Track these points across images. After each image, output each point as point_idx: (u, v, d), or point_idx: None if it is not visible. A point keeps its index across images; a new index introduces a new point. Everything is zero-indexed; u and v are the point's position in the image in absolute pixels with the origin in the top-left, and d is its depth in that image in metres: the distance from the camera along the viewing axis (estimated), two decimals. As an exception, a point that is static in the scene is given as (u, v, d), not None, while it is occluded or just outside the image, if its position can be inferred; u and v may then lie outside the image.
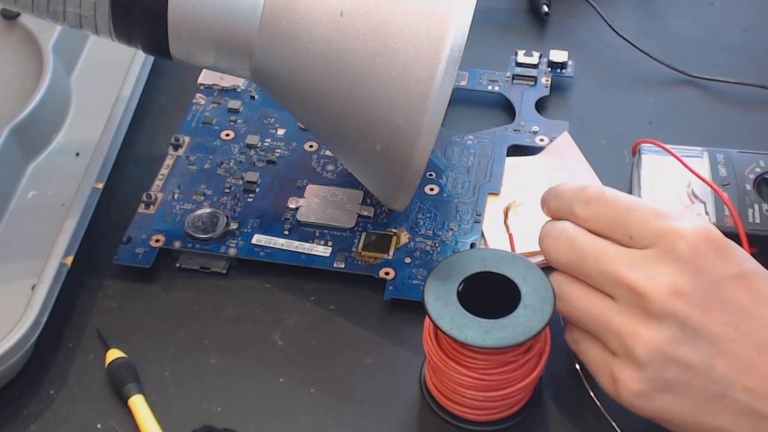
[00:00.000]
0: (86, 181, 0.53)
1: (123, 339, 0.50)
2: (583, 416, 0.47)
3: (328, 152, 0.58)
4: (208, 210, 0.54)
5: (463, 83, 0.63)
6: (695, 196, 0.52)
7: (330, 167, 0.57)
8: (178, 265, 0.53)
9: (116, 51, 0.56)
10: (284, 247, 0.53)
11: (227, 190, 0.56)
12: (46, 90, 0.58)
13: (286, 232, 0.53)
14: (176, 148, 0.58)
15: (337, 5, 0.45)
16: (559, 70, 0.63)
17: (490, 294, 0.44)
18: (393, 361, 0.49)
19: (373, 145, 0.46)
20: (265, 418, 0.47)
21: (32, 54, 0.60)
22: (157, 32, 0.47)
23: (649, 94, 0.63)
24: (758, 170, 0.53)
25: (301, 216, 0.54)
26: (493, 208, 0.55)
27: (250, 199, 0.55)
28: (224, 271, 0.53)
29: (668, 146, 0.53)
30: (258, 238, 0.53)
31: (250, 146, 0.58)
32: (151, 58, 0.62)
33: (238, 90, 0.62)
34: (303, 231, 0.54)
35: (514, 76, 0.63)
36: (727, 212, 0.51)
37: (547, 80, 0.62)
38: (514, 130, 0.59)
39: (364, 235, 0.53)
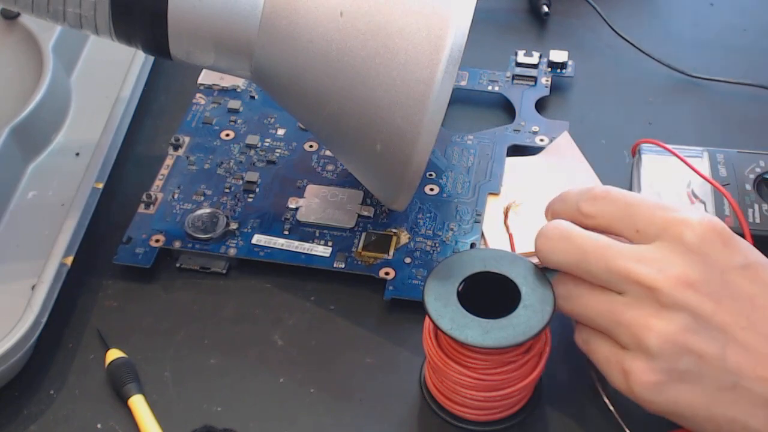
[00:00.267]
0: (86, 181, 0.53)
1: (123, 339, 0.50)
2: (583, 416, 0.47)
3: (328, 152, 0.58)
4: (208, 210, 0.54)
5: (463, 83, 0.63)
6: (695, 196, 0.52)
7: (330, 167, 0.57)
8: (178, 265, 0.53)
9: (116, 51, 0.56)
10: (284, 247, 0.53)
11: (227, 190, 0.56)
12: (46, 90, 0.58)
13: (286, 232, 0.53)
14: (176, 148, 0.58)
15: (337, 5, 0.45)
16: (559, 70, 0.63)
17: (490, 294, 0.44)
18: (393, 361, 0.49)
19: (373, 145, 0.46)
20: (265, 418, 0.47)
21: (32, 54, 0.60)
22: (157, 32, 0.47)
23: (649, 94, 0.63)
24: (758, 170, 0.53)
25: (301, 216, 0.54)
26: (493, 208, 0.55)
27: (250, 199, 0.55)
28: (224, 271, 0.53)
29: (668, 146, 0.53)
30: (258, 238, 0.53)
31: (250, 146, 0.58)
32: (151, 58, 0.62)
33: (238, 90, 0.62)
34: (303, 231, 0.54)
35: (514, 76, 0.63)
36: (727, 212, 0.51)
37: (547, 80, 0.62)
38: (514, 130, 0.59)
39: (364, 235, 0.53)
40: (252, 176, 0.56)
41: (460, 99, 0.62)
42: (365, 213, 0.54)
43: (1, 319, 0.47)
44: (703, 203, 0.51)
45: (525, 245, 0.52)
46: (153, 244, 0.53)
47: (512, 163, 0.57)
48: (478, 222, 0.54)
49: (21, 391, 0.48)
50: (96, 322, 0.51)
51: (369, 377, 0.49)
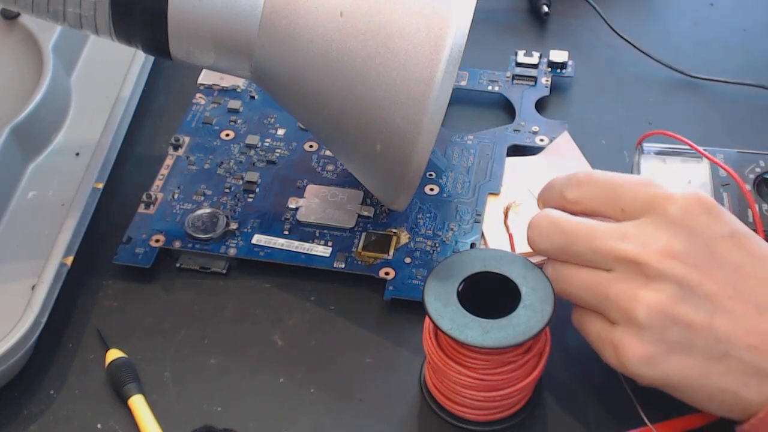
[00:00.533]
0: (86, 181, 0.53)
1: (123, 339, 0.50)
2: (583, 416, 0.47)
3: (328, 152, 0.58)
4: (208, 210, 0.54)
5: (463, 83, 0.63)
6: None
7: (330, 167, 0.57)
8: (178, 265, 0.53)
9: (116, 51, 0.56)
10: (284, 247, 0.53)
11: (227, 190, 0.56)
12: (46, 90, 0.58)
13: (286, 232, 0.53)
14: (176, 148, 0.58)
15: (337, 5, 0.45)
16: (559, 70, 0.63)
17: (490, 294, 0.44)
18: (393, 361, 0.49)
19: (373, 145, 0.46)
20: (265, 418, 0.47)
21: (32, 54, 0.60)
22: (157, 32, 0.47)
23: (649, 94, 0.63)
24: (758, 170, 0.53)
25: (301, 216, 0.54)
26: (493, 208, 0.55)
27: (250, 199, 0.55)
28: (224, 271, 0.53)
29: (668, 145, 0.53)
30: (258, 238, 0.53)
31: (250, 146, 0.58)
32: (151, 58, 0.62)
33: (238, 90, 0.62)
34: (303, 231, 0.54)
35: (514, 76, 0.63)
36: (727, 212, 0.51)
37: (547, 80, 0.62)
38: (514, 130, 0.59)
39: (364, 235, 0.53)
40: (252, 176, 0.56)
41: (460, 99, 0.62)
42: (365, 213, 0.54)
43: (1, 319, 0.47)
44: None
45: (525, 245, 0.52)
46: (153, 244, 0.53)
47: (512, 163, 0.57)
48: (478, 222, 0.54)
49: (21, 391, 0.48)
50: (96, 322, 0.51)
51: (369, 377, 0.49)
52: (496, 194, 0.56)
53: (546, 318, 0.43)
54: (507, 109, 0.62)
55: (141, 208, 0.55)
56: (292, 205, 0.55)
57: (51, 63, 0.59)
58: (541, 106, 0.61)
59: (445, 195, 0.55)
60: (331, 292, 0.52)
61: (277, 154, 0.58)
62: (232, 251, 0.53)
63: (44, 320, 0.48)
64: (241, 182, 0.56)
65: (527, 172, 0.57)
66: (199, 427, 0.46)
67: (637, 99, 0.63)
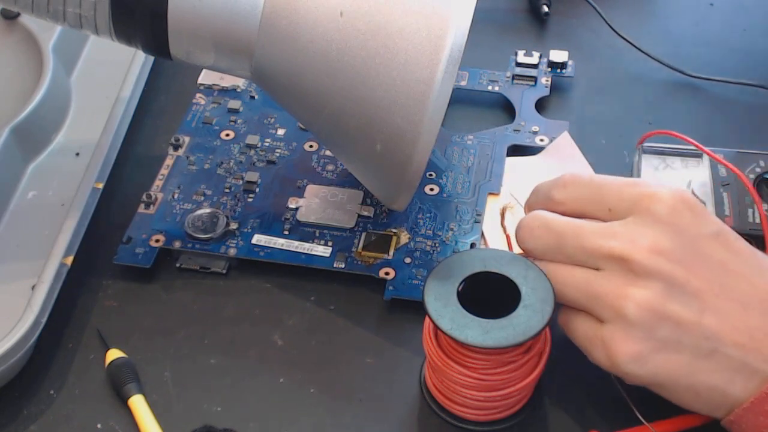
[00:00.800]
0: (86, 181, 0.53)
1: (123, 339, 0.50)
2: (583, 416, 0.47)
3: (328, 152, 0.58)
4: (208, 210, 0.54)
5: (463, 83, 0.63)
6: (695, 197, 0.52)
7: (330, 167, 0.57)
8: (178, 265, 0.53)
9: (116, 51, 0.56)
10: (284, 247, 0.53)
11: (227, 190, 0.56)
12: (46, 90, 0.58)
13: (286, 232, 0.53)
14: (176, 148, 0.58)
15: (337, 5, 0.45)
16: (559, 70, 0.63)
17: (490, 294, 0.44)
18: (393, 361, 0.49)
19: (373, 145, 0.46)
20: (265, 418, 0.47)
21: (32, 54, 0.60)
22: (157, 32, 0.46)
23: (649, 94, 0.63)
24: (758, 170, 0.53)
25: (301, 216, 0.54)
26: (493, 208, 0.55)
27: (250, 199, 0.55)
28: (224, 271, 0.53)
29: (668, 145, 0.53)
30: (258, 238, 0.53)
31: (250, 146, 0.58)
32: (151, 58, 0.62)
33: (238, 90, 0.62)
34: (303, 231, 0.54)
35: (514, 76, 0.63)
36: (727, 212, 0.51)
37: (547, 80, 0.62)
38: (514, 130, 0.59)
39: (364, 235, 0.53)
40: (252, 176, 0.56)
41: (460, 99, 0.62)
42: (365, 213, 0.54)
43: (1, 319, 0.47)
44: (703, 203, 0.51)
45: None
46: (153, 244, 0.53)
47: (512, 163, 0.57)
48: (478, 222, 0.54)
49: (21, 391, 0.48)
50: (96, 322, 0.51)
51: (369, 377, 0.49)
52: (496, 194, 0.56)
53: (546, 318, 0.43)
54: (507, 109, 0.62)
55: (141, 208, 0.55)
56: (292, 205, 0.55)
57: (51, 63, 0.59)
58: (541, 106, 0.61)
59: (445, 195, 0.55)
60: (331, 292, 0.52)
61: (277, 154, 0.58)
62: (232, 251, 0.53)
63: (44, 320, 0.48)
64: (241, 182, 0.56)
65: (527, 172, 0.57)
66: (199, 427, 0.46)
67: (637, 99, 0.63)
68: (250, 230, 0.54)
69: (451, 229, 0.54)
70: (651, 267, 0.41)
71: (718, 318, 0.41)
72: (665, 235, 0.42)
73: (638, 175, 0.54)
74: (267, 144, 0.59)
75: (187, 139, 0.59)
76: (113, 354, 0.49)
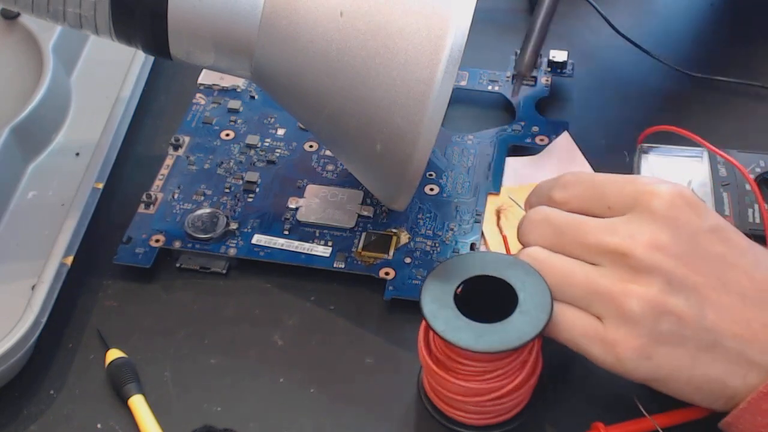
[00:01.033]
0: (86, 181, 0.53)
1: (123, 339, 0.50)
2: (581, 421, 0.46)
3: (328, 152, 0.58)
4: (208, 210, 0.54)
5: (463, 83, 0.63)
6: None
7: (330, 167, 0.57)
8: (178, 265, 0.53)
9: (116, 51, 0.56)
10: (284, 247, 0.53)
11: (227, 190, 0.56)
12: (46, 90, 0.58)
13: (286, 232, 0.53)
14: (176, 148, 0.58)
15: (337, 5, 0.45)
16: (559, 70, 0.63)
17: (488, 298, 0.44)
18: (393, 361, 0.49)
19: (373, 145, 0.46)
20: (265, 418, 0.47)
21: (32, 54, 0.60)
22: (157, 32, 0.46)
23: (649, 94, 0.63)
24: (758, 170, 0.53)
25: (301, 216, 0.54)
26: (493, 208, 0.55)
27: (250, 199, 0.55)
28: (224, 271, 0.53)
29: (668, 145, 0.53)
30: (258, 238, 0.53)
31: (250, 146, 0.58)
32: (151, 58, 0.62)
33: (238, 90, 0.62)
34: (303, 231, 0.54)
35: (514, 76, 0.63)
36: (727, 212, 0.51)
37: (547, 80, 0.62)
38: (514, 130, 0.59)
39: (364, 235, 0.53)
40: (252, 176, 0.56)
41: (460, 99, 0.62)
42: (365, 213, 0.54)
43: (1, 319, 0.47)
44: (703, 203, 0.51)
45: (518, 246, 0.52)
46: (153, 244, 0.53)
47: (512, 163, 0.57)
48: (478, 222, 0.54)
49: (21, 391, 0.48)
50: (96, 322, 0.51)
51: (369, 378, 0.49)
52: (496, 194, 0.55)
53: (540, 325, 0.42)
54: (507, 109, 0.62)
55: (141, 208, 0.55)
56: (292, 205, 0.55)
57: (51, 63, 0.59)
58: (541, 106, 0.61)
59: (445, 195, 0.55)
60: (331, 292, 0.52)
61: (277, 154, 0.58)
62: (232, 251, 0.53)
63: (44, 320, 0.48)
64: (241, 182, 0.56)
65: (527, 172, 0.57)
66: (199, 427, 0.46)
67: (637, 99, 0.63)
68: (250, 230, 0.54)
69: (451, 229, 0.54)
70: (651, 262, 0.42)
71: (718, 311, 0.42)
72: (664, 230, 0.42)
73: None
74: (267, 144, 0.59)
75: (187, 139, 0.59)
76: (113, 354, 0.49)
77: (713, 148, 0.51)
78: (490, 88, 0.63)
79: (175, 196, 0.56)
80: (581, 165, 0.57)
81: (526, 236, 0.46)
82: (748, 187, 0.52)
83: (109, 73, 0.61)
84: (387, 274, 0.51)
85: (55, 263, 0.49)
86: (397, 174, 0.47)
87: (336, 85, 0.45)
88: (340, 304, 0.52)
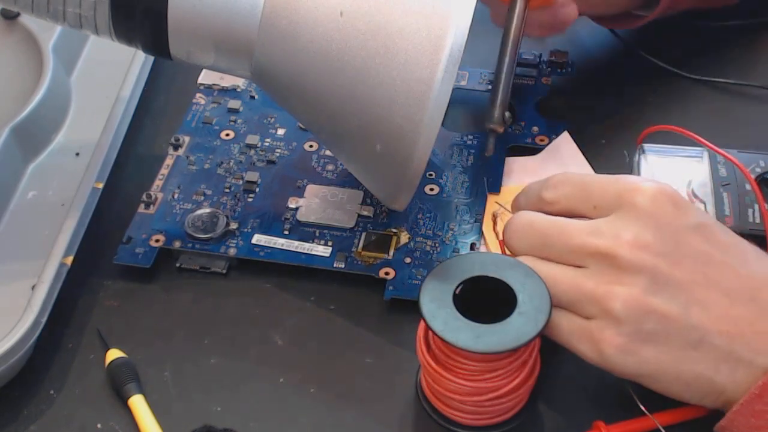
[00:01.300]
0: (86, 181, 0.53)
1: (123, 339, 0.50)
2: (579, 422, 0.46)
3: (328, 152, 0.58)
4: (208, 210, 0.54)
5: (463, 83, 0.63)
6: (695, 196, 0.52)
7: (330, 167, 0.57)
8: (178, 265, 0.53)
9: (116, 51, 0.56)
10: (284, 247, 0.53)
11: (227, 190, 0.56)
12: (46, 90, 0.58)
13: (286, 232, 0.53)
14: (176, 148, 0.58)
15: (337, 5, 0.45)
16: (559, 70, 0.63)
17: (487, 299, 0.44)
18: (393, 361, 0.49)
19: (373, 145, 0.46)
20: (265, 418, 0.47)
21: (32, 54, 0.60)
22: (157, 32, 0.46)
23: (649, 94, 0.63)
24: (758, 170, 0.53)
25: (301, 216, 0.54)
26: (493, 208, 0.54)
27: (250, 199, 0.55)
28: (224, 271, 0.53)
29: (668, 145, 0.53)
30: (258, 238, 0.53)
31: (250, 146, 0.58)
32: (151, 58, 0.62)
33: (238, 90, 0.62)
34: (303, 231, 0.54)
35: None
36: (727, 212, 0.51)
37: (547, 80, 0.62)
38: (514, 130, 0.59)
39: (364, 235, 0.53)
40: (252, 176, 0.56)
41: (460, 99, 0.62)
42: (365, 213, 0.54)
43: (1, 319, 0.47)
44: (704, 203, 0.51)
45: None
46: (153, 244, 0.53)
47: (512, 163, 0.57)
48: (477, 222, 0.54)
49: (21, 391, 0.48)
50: (96, 322, 0.51)
51: (369, 377, 0.49)
52: (496, 194, 0.55)
53: (539, 326, 0.42)
54: (507, 110, 0.62)
55: (141, 208, 0.55)
56: (292, 205, 0.55)
57: (51, 63, 0.59)
58: (541, 106, 0.61)
59: (444, 195, 0.55)
60: (331, 292, 0.52)
61: (277, 154, 0.58)
62: (232, 251, 0.53)
63: (44, 320, 0.48)
64: (241, 182, 0.56)
65: (527, 172, 0.57)
66: (199, 427, 0.46)
67: (637, 99, 0.63)
68: (250, 230, 0.54)
69: (451, 229, 0.54)
70: (635, 262, 0.42)
71: (703, 309, 0.42)
72: (648, 229, 0.43)
73: (639, 175, 0.54)
74: (267, 144, 0.58)
75: (187, 139, 0.59)
76: (113, 354, 0.49)
77: (714, 147, 0.51)
78: (490, 88, 0.62)
79: (175, 196, 0.56)
80: (581, 165, 0.57)
81: (512, 242, 0.46)
82: (748, 186, 0.52)
83: (109, 73, 0.61)
84: (387, 274, 0.51)
85: (55, 263, 0.49)
86: (397, 174, 0.47)
87: (336, 85, 0.45)
88: (339, 304, 0.52)
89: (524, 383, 0.44)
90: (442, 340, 0.42)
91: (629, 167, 0.56)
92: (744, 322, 0.42)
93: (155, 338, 0.50)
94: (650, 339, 0.42)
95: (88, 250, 0.53)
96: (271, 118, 0.60)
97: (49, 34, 0.61)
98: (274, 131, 0.59)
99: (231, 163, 0.57)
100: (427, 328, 0.43)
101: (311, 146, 0.58)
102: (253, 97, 0.62)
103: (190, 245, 0.53)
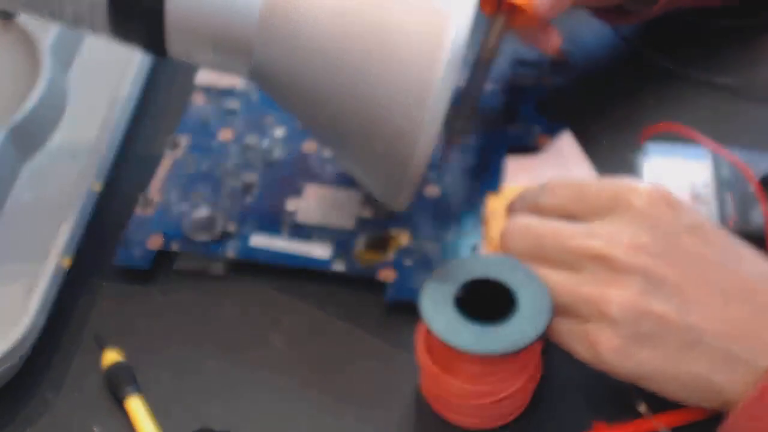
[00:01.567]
0: (84, 182, 0.53)
1: (121, 341, 0.50)
2: (581, 425, 0.46)
3: (327, 153, 0.58)
4: (206, 211, 0.54)
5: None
6: (698, 197, 0.52)
7: (330, 167, 0.57)
8: (176, 267, 0.53)
9: (114, 50, 0.55)
10: (283, 249, 0.53)
11: (226, 192, 0.56)
12: (43, 90, 0.58)
13: (285, 234, 0.53)
14: (174, 148, 0.58)
15: (336, 3, 0.45)
16: (559, 70, 0.63)
17: (488, 301, 0.44)
18: (392, 363, 0.49)
19: (373, 145, 0.46)
20: (264, 421, 0.47)
21: (28, 53, 0.60)
22: (154, 30, 0.46)
23: (651, 94, 0.63)
24: (762, 170, 0.52)
25: (300, 217, 0.54)
26: (492, 207, 0.54)
27: (248, 201, 0.55)
28: (223, 273, 0.53)
29: (670, 146, 0.53)
30: (256, 240, 0.53)
31: (248, 147, 0.58)
32: (149, 58, 0.62)
33: (237, 90, 0.62)
34: (302, 232, 0.53)
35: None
36: (730, 213, 0.51)
37: (547, 80, 0.62)
38: (514, 130, 0.59)
39: (363, 236, 0.53)
40: (250, 177, 0.56)
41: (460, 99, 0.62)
42: (365, 214, 0.54)
43: (-2, 321, 0.47)
44: (706, 204, 0.51)
45: None
46: (151, 245, 0.53)
47: (512, 162, 0.57)
48: (478, 223, 0.54)
49: (18, 393, 0.48)
50: (94, 324, 0.51)
51: (368, 379, 0.49)
52: (497, 194, 0.55)
53: (540, 329, 0.42)
54: (507, 110, 0.62)
55: (139, 210, 0.55)
56: (291, 206, 0.55)
57: (47, 62, 0.59)
58: (541, 106, 0.61)
59: (445, 196, 0.55)
60: (331, 294, 0.52)
61: (276, 155, 0.58)
62: (231, 253, 0.52)
63: (41, 322, 0.48)
64: (239, 183, 0.56)
65: (527, 172, 0.57)
66: (197, 429, 0.46)
67: (639, 99, 0.63)
68: (248, 232, 0.53)
69: (452, 231, 0.53)
70: (631, 263, 0.42)
71: (700, 310, 0.42)
72: (643, 230, 0.43)
73: (640, 176, 0.54)
74: (265, 144, 0.58)
75: (185, 139, 0.59)
76: (111, 356, 0.49)
77: (716, 147, 0.51)
78: (490, 87, 0.62)
79: (173, 198, 0.55)
80: (582, 165, 0.57)
81: (508, 245, 0.46)
82: (751, 188, 0.52)
83: (107, 73, 0.61)
84: (387, 276, 0.51)
85: (53, 265, 0.49)
86: (397, 174, 0.47)
87: (335, 84, 0.45)
88: (339, 306, 0.51)
89: (525, 386, 0.44)
90: (443, 342, 0.42)
91: (631, 167, 0.56)
92: (741, 322, 0.42)
93: (153, 340, 0.50)
94: (647, 340, 0.42)
95: (86, 252, 0.52)
96: (270, 118, 0.60)
97: (46, 33, 0.61)
98: (272, 132, 0.59)
99: (229, 164, 0.57)
100: (428, 330, 0.43)
101: (310, 147, 0.58)
102: (251, 98, 0.61)
103: (188, 247, 0.53)
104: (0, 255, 0.52)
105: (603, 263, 0.43)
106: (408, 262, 0.52)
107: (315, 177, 0.56)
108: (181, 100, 0.62)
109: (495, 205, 0.54)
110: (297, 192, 0.55)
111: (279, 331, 0.51)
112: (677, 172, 0.53)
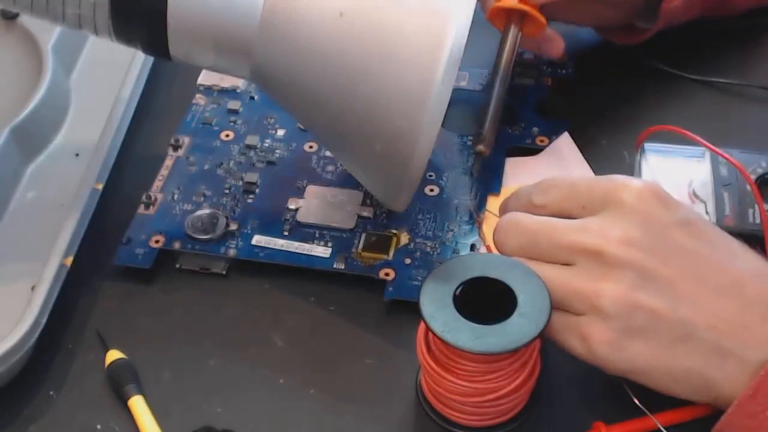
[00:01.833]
0: (86, 182, 0.53)
1: (123, 340, 0.50)
2: (581, 423, 0.46)
3: (328, 153, 0.58)
4: (207, 211, 0.54)
5: (463, 83, 0.63)
6: (696, 196, 0.52)
7: (330, 167, 0.57)
8: (177, 266, 0.53)
9: (116, 51, 0.55)
10: (284, 248, 0.53)
11: (227, 191, 0.56)
12: (46, 90, 0.58)
13: (286, 233, 0.53)
14: (176, 148, 0.58)
15: (336, 5, 0.45)
16: (559, 71, 0.63)
17: (488, 300, 0.44)
18: (392, 362, 0.49)
19: (373, 145, 0.46)
20: (265, 419, 0.47)
21: (32, 54, 0.60)
22: (156, 32, 0.46)
23: (650, 94, 0.63)
24: (759, 170, 0.53)
25: (300, 217, 0.54)
26: (493, 208, 0.54)
27: (249, 200, 0.55)
28: (224, 272, 0.53)
29: (669, 145, 0.53)
30: (258, 239, 0.53)
31: (249, 147, 0.58)
32: (151, 59, 0.62)
33: (238, 90, 0.62)
34: (303, 232, 0.53)
35: (515, 76, 0.62)
36: (728, 212, 0.51)
37: (547, 80, 0.62)
38: (514, 131, 0.59)
39: (364, 235, 0.53)
40: (252, 177, 0.56)
41: (460, 99, 0.62)
42: (365, 213, 0.54)
43: (1, 319, 0.47)
44: (704, 203, 0.51)
45: None
46: (153, 244, 0.53)
47: (512, 163, 0.57)
48: (478, 223, 0.54)
49: (21, 392, 0.48)
50: (96, 323, 0.51)
51: (368, 378, 0.49)
52: (496, 194, 0.55)
53: (539, 327, 0.42)
54: (507, 110, 0.62)
55: (141, 209, 0.55)
56: (292, 206, 0.55)
57: (50, 63, 0.59)
58: (541, 106, 0.61)
59: (445, 196, 0.55)
60: (331, 293, 0.52)
61: (277, 155, 0.58)
62: (232, 252, 0.53)
63: (44, 321, 0.48)
64: (240, 183, 0.56)
65: (527, 172, 0.57)
66: (199, 427, 0.46)
67: (638, 99, 0.63)
68: (249, 231, 0.54)
69: (451, 230, 0.53)
70: (623, 258, 0.43)
71: (691, 304, 0.43)
72: (635, 225, 0.43)
73: (639, 176, 0.54)
74: (267, 144, 0.58)
75: (186, 139, 0.59)
76: (113, 355, 0.49)
77: (714, 148, 0.51)
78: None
79: (175, 197, 0.56)
80: (581, 166, 0.57)
81: (502, 244, 0.46)
82: (749, 187, 0.52)
83: (109, 74, 0.61)
84: (387, 275, 0.51)
85: (55, 264, 0.49)
86: (397, 174, 0.47)
87: (336, 85, 0.45)
88: (339, 305, 0.52)
89: (524, 384, 0.44)
90: (442, 341, 0.42)
91: (629, 167, 0.56)
92: (731, 317, 0.43)
93: (155, 339, 0.50)
94: (639, 334, 0.42)
95: (88, 251, 0.52)
96: (271, 118, 0.60)
97: (49, 34, 0.61)
98: (273, 132, 0.59)
99: (231, 164, 0.57)
100: (427, 329, 0.43)
101: (311, 146, 0.58)
102: (252, 98, 0.62)
103: (189, 246, 0.53)
104: (3, 254, 0.52)
105: (595, 258, 0.43)
106: (408, 261, 0.52)
107: (316, 177, 0.56)
108: (182, 101, 0.62)
109: (495, 205, 0.54)
110: (298, 192, 0.55)
111: (280, 329, 0.51)
112: (675, 171, 0.53)
